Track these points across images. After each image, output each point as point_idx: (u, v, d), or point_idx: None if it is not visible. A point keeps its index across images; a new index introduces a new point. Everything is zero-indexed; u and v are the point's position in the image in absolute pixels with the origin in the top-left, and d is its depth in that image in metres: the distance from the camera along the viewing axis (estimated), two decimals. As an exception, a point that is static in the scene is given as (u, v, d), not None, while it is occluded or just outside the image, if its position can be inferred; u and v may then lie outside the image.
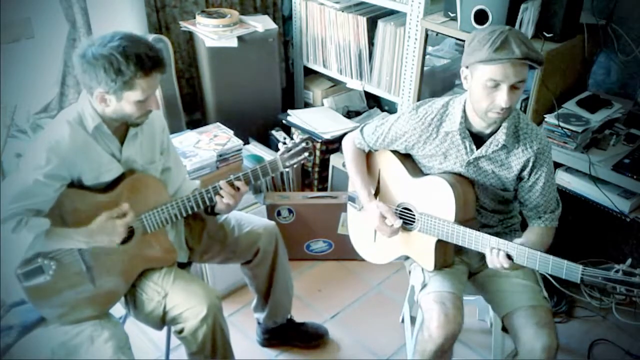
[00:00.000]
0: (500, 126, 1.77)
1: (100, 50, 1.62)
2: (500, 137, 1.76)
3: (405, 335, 2.41)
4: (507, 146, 1.78)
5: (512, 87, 1.65)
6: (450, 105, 1.85)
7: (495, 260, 1.69)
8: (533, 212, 1.85)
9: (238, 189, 1.88)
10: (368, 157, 2.10)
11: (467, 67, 1.72)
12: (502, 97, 1.65)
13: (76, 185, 1.77)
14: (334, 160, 3.08)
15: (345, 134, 2.17)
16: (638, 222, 2.21)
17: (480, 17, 2.34)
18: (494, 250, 1.69)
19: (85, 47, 1.66)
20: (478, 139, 1.82)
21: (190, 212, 1.89)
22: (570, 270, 1.57)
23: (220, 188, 1.86)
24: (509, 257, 1.67)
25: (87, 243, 1.73)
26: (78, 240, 1.72)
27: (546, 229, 1.85)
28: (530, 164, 1.79)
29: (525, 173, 1.81)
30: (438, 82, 2.97)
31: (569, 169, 2.31)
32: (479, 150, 1.81)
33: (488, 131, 1.79)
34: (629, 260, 1.52)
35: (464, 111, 1.80)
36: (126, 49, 1.62)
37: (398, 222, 1.90)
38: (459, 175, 1.86)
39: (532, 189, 1.82)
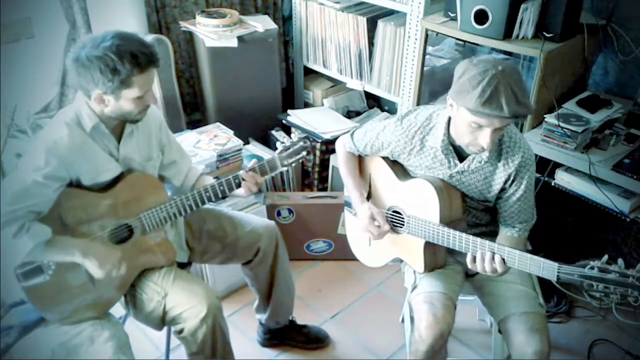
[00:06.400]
0: None
1: (94, 51, 1.62)
2: (483, 153, 1.77)
3: (405, 335, 2.41)
4: (489, 161, 1.78)
5: (496, 129, 1.65)
6: (434, 118, 1.84)
7: (488, 266, 1.68)
8: (506, 220, 1.86)
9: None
10: (360, 161, 2.11)
11: (454, 101, 1.68)
12: (484, 139, 1.66)
13: (75, 185, 1.77)
14: (334, 160, 3.08)
15: (345, 134, 2.17)
16: (638, 222, 2.20)
17: (480, 17, 2.34)
18: (486, 254, 1.68)
19: (77, 50, 1.65)
20: (461, 153, 1.82)
21: (189, 211, 1.89)
22: (546, 268, 1.57)
23: (244, 179, 1.90)
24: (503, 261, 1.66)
25: (84, 256, 1.72)
26: (76, 252, 1.71)
27: (517, 239, 1.84)
28: (512, 178, 1.79)
29: (506, 185, 1.81)
30: (438, 82, 2.97)
31: (569, 169, 2.31)
32: (461, 165, 1.81)
33: None
34: (605, 257, 1.51)
35: (447, 127, 1.79)
36: (119, 47, 1.62)
37: (386, 226, 1.93)
38: None
39: (509, 199, 1.82)
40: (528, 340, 1.75)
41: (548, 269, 1.57)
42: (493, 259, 1.67)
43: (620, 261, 1.49)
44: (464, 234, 1.74)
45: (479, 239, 1.71)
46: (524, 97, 1.60)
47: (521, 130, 2.43)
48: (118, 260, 1.77)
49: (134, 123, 1.82)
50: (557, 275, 1.55)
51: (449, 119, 1.79)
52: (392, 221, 1.98)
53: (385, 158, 1.99)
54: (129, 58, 1.62)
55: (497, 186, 1.81)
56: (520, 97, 1.58)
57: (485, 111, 1.57)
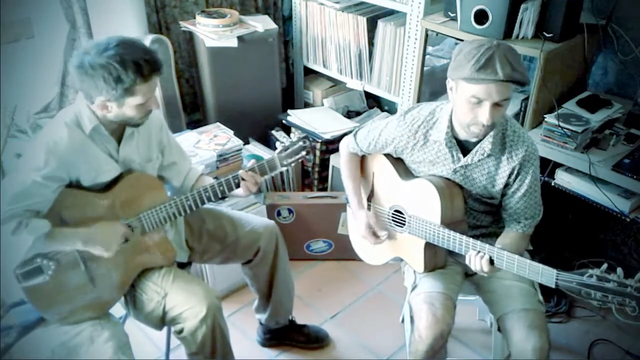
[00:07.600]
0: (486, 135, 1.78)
1: (97, 59, 1.62)
2: (486, 145, 1.77)
3: (405, 335, 2.41)
4: (493, 155, 1.79)
5: (496, 105, 1.65)
6: (437, 113, 1.85)
7: (477, 264, 1.70)
8: (512, 216, 1.86)
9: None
10: (363, 161, 2.12)
11: (452, 79, 1.71)
12: (484, 115, 1.66)
13: (74, 186, 1.77)
14: (334, 160, 3.08)
15: (345, 134, 2.18)
16: (638, 222, 2.20)
17: (480, 17, 2.34)
18: (479, 253, 1.70)
19: (80, 56, 1.65)
20: (465, 147, 1.82)
21: (188, 211, 1.89)
22: (545, 274, 1.58)
23: (243, 179, 1.89)
24: (491, 261, 1.68)
25: (86, 245, 1.73)
26: (77, 241, 1.72)
27: (522, 235, 1.85)
28: (515, 172, 1.79)
29: (511, 180, 1.81)
30: (438, 82, 2.97)
31: (569, 169, 2.31)
32: (465, 159, 1.81)
33: (474, 140, 1.79)
34: (604, 265, 1.52)
35: (451, 120, 1.80)
36: (123, 56, 1.62)
37: (384, 234, 1.95)
38: (447, 178, 1.87)
39: (514, 195, 1.82)
40: (527, 337, 1.75)
41: (546, 275, 1.57)
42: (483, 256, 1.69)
43: (619, 270, 1.49)
44: (464, 237, 1.74)
45: (479, 242, 1.71)
46: (519, 66, 1.63)
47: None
48: (122, 234, 1.78)
49: (135, 127, 1.82)
50: (556, 282, 1.55)
51: (452, 113, 1.79)
52: (393, 220, 1.98)
53: (388, 156, 1.99)
54: (133, 67, 1.62)
55: (501, 180, 1.81)
56: (516, 65, 1.61)
57: (481, 76, 1.59)
